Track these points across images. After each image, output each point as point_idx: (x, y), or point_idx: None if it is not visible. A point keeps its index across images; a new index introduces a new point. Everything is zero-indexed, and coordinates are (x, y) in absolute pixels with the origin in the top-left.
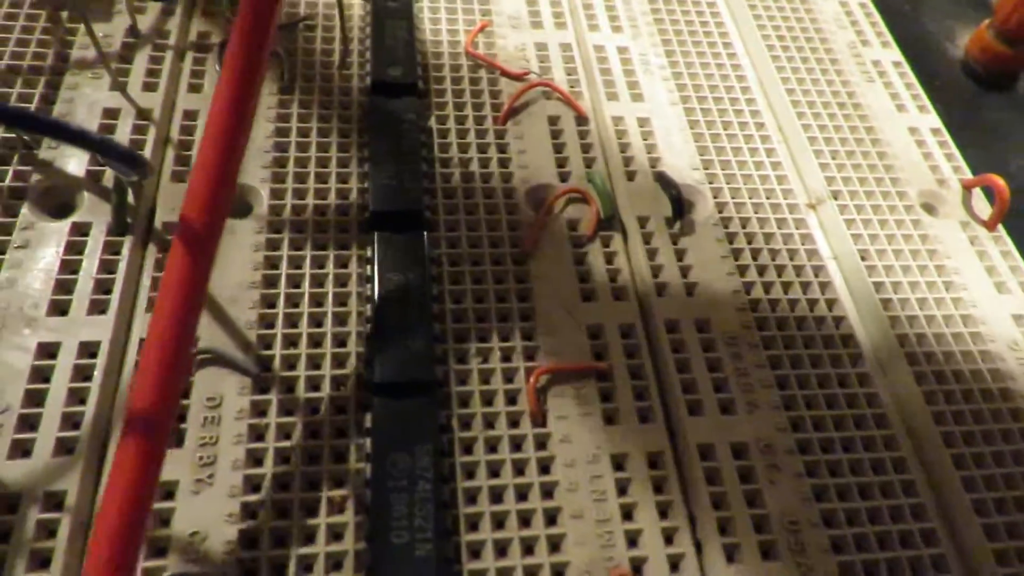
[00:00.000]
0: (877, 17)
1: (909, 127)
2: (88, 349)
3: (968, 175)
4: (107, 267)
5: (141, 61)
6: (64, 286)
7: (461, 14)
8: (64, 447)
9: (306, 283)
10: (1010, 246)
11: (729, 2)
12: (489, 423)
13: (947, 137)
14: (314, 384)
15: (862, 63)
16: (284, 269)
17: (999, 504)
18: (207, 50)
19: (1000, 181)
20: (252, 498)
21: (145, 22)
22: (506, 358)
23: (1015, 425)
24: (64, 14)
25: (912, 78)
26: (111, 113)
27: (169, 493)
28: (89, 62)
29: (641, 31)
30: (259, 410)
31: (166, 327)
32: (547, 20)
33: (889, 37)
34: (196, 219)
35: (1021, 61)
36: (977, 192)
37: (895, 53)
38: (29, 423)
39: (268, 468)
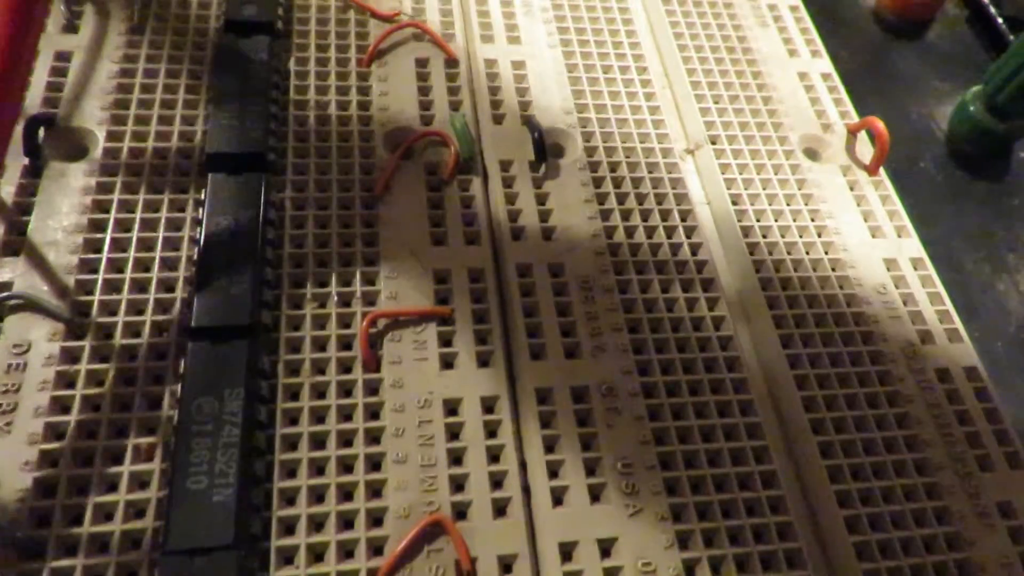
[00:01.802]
0: None
1: (799, 72)
2: None
3: (855, 120)
4: None
5: None
6: None
7: None
8: None
9: (136, 227)
10: (890, 191)
11: None
12: (320, 369)
13: (837, 82)
14: (134, 331)
15: (757, 7)
16: (114, 213)
17: (846, 447)
18: None
19: (880, 124)
20: (53, 446)
21: None
22: (345, 303)
23: (873, 368)
24: None
25: (808, 23)
26: None
27: None
28: None
29: None
30: (72, 356)
31: None
32: None
33: None
34: None
35: (930, 9)
36: (864, 137)
37: None
38: None
39: (74, 416)
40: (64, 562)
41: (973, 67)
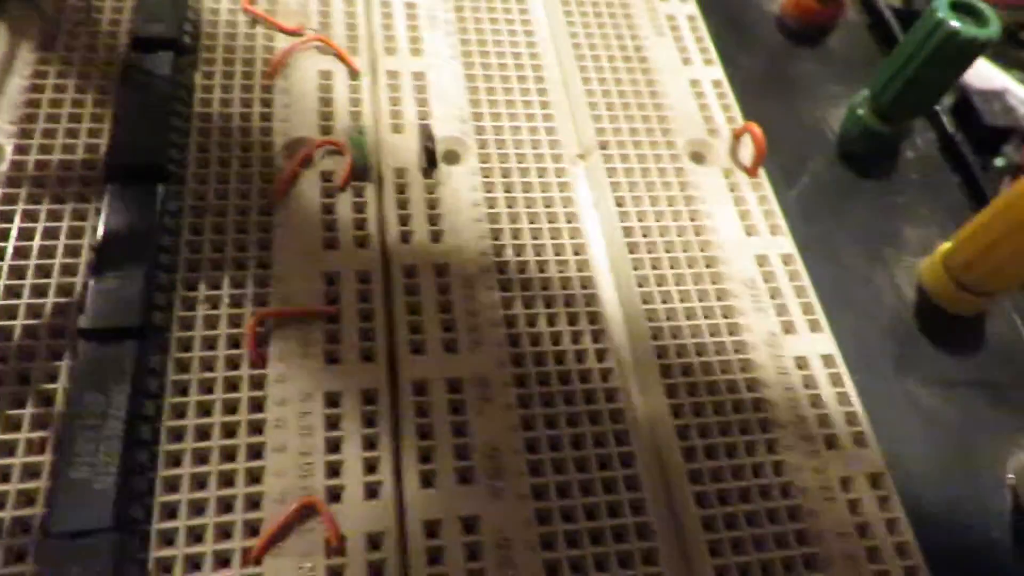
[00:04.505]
0: None
1: (691, 79)
2: None
3: (740, 124)
4: None
5: None
6: None
7: None
8: None
9: (38, 236)
10: (768, 191)
11: None
12: (208, 366)
13: (727, 89)
14: (30, 332)
15: (656, 17)
16: (17, 223)
17: (702, 430)
18: None
19: (757, 129)
20: None
21: None
22: (236, 304)
23: (736, 357)
24: None
25: (704, 32)
26: None
27: None
28: None
29: None
30: None
31: None
32: None
33: None
34: None
35: (829, 17)
36: (748, 141)
37: (691, 7)
38: None
39: None
40: None
41: (869, 73)
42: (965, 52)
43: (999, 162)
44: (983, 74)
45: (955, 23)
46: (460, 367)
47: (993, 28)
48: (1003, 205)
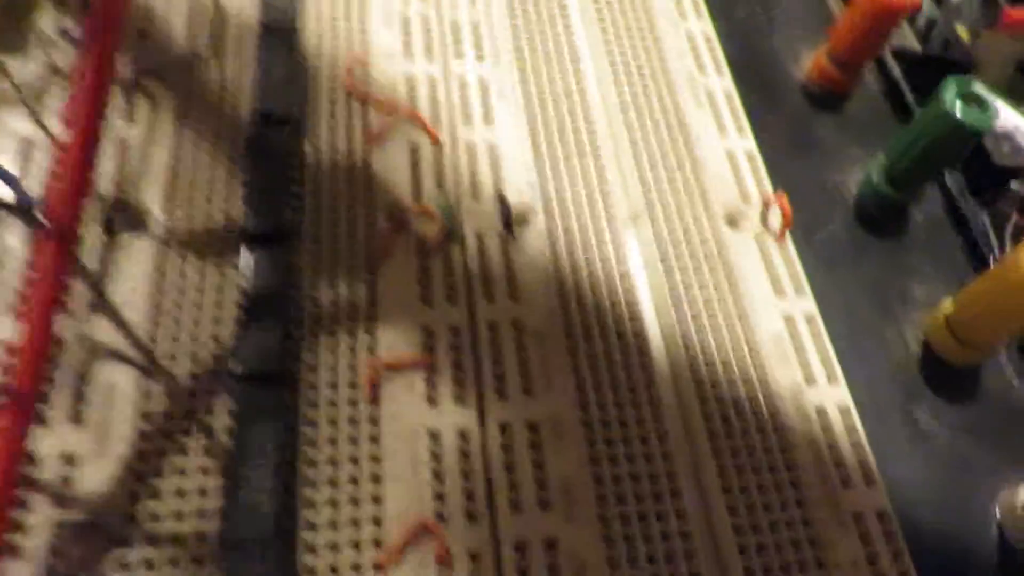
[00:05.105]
0: (719, 51)
1: (727, 149)
2: None
3: (771, 193)
4: None
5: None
6: None
7: (343, 46)
8: None
9: (189, 289)
10: (793, 254)
11: (587, 34)
12: (331, 403)
13: (758, 159)
14: (192, 374)
15: (696, 90)
16: (170, 277)
17: (738, 469)
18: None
19: (784, 201)
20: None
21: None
22: (351, 349)
23: (764, 403)
24: None
25: (738, 104)
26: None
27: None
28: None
29: (502, 61)
30: (147, 394)
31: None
32: (418, 52)
33: (725, 67)
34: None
35: (849, 85)
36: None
37: (727, 81)
38: None
39: (155, 442)
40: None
41: (884, 136)
42: (970, 139)
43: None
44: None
45: (960, 114)
46: (536, 408)
47: (997, 117)
48: (1000, 271)
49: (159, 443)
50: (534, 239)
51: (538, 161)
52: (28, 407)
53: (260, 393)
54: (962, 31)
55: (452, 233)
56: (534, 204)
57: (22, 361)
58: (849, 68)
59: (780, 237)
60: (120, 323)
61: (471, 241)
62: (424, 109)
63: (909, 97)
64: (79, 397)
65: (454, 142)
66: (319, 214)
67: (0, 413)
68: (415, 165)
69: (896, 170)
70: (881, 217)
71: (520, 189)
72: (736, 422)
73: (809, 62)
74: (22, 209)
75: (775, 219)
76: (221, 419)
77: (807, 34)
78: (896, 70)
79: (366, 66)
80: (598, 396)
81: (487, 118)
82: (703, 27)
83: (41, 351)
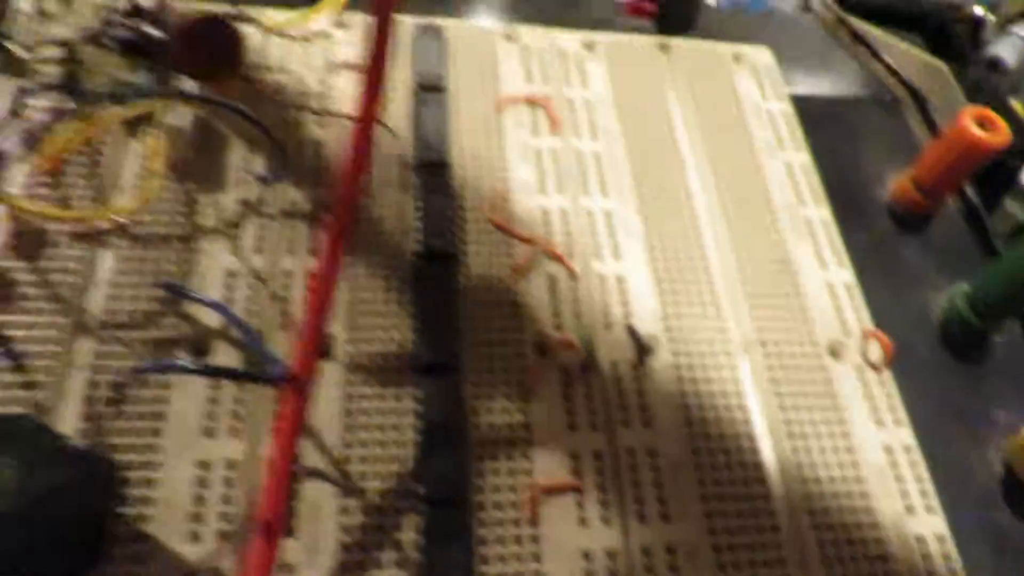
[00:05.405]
0: (815, 179)
1: (827, 281)
2: None
3: (869, 325)
4: None
5: (250, 227)
6: None
7: (486, 180)
8: None
9: (374, 414)
10: (892, 389)
11: (699, 169)
12: (499, 523)
13: (857, 291)
14: (380, 494)
15: (796, 220)
16: (356, 402)
17: None
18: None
19: (884, 336)
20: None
21: (250, 191)
22: (510, 473)
23: (864, 521)
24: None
25: (835, 234)
26: (231, 274)
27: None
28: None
29: (625, 196)
30: (342, 508)
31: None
32: (551, 186)
33: (823, 195)
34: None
35: (932, 206)
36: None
37: (825, 211)
38: None
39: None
40: None
41: (965, 261)
42: None
43: None
44: None
45: None
46: (674, 534)
47: None
48: None
49: (358, 555)
50: (661, 368)
51: (661, 294)
52: (275, 537)
53: (442, 513)
54: None
55: (590, 362)
56: (659, 335)
57: (267, 497)
58: (933, 195)
59: (880, 370)
60: (322, 446)
61: (607, 370)
62: (559, 244)
63: (987, 223)
64: (291, 512)
65: (587, 275)
66: (476, 345)
67: (255, 544)
68: (553, 296)
69: (983, 302)
70: (964, 341)
71: (646, 321)
72: (846, 550)
73: (893, 184)
74: (272, 381)
75: (874, 350)
76: (408, 535)
77: (893, 155)
78: (975, 197)
79: (507, 200)
80: (723, 521)
81: (616, 252)
82: (801, 158)
83: (283, 492)
